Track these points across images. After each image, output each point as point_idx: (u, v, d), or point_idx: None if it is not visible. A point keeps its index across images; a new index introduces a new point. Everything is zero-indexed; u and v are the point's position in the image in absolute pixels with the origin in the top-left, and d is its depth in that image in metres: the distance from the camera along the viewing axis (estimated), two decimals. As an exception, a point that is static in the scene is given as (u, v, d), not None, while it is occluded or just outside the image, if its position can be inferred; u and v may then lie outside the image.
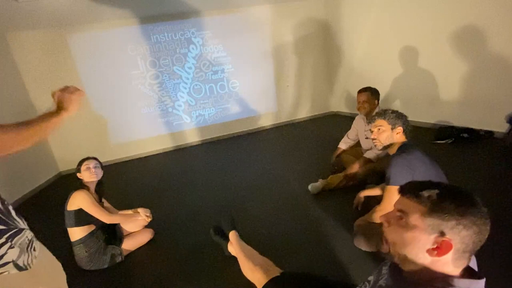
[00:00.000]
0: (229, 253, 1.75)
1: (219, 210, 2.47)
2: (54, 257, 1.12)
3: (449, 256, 0.61)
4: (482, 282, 0.62)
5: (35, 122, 0.96)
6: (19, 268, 0.88)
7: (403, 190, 0.71)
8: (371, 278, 0.87)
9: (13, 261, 0.87)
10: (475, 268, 0.76)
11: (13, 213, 0.95)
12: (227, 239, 1.74)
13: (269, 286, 1.24)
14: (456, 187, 0.68)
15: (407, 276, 0.69)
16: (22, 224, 0.97)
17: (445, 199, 0.63)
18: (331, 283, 1.24)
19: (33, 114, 3.54)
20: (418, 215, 0.65)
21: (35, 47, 3.92)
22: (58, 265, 1.13)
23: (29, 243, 0.95)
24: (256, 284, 1.32)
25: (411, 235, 0.65)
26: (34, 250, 0.97)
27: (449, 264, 0.62)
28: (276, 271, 1.33)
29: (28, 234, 0.96)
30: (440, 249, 0.61)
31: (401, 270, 0.71)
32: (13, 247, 0.87)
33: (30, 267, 0.92)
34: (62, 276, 1.13)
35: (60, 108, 1.08)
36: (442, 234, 0.61)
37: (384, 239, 0.72)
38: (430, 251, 0.62)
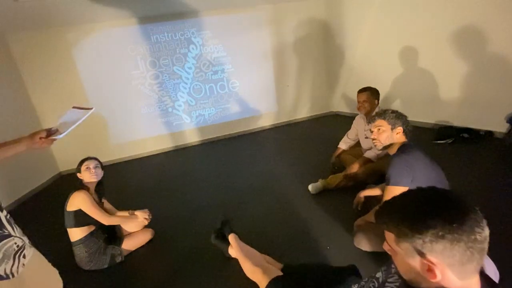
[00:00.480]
0: (230, 255, 1.75)
1: (219, 210, 2.47)
2: (49, 264, 1.10)
3: (448, 273, 0.56)
4: None
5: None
6: None
7: (375, 219, 0.69)
8: (379, 275, 0.86)
9: None
10: (496, 277, 0.73)
11: (3, 219, 0.93)
12: (227, 242, 1.74)
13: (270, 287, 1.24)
14: (407, 200, 0.63)
15: None
16: (11, 231, 0.94)
17: (401, 221, 0.60)
18: (331, 269, 1.25)
19: (33, 114, 3.55)
20: (394, 242, 0.62)
21: (35, 47, 3.92)
22: (54, 272, 1.11)
23: (17, 250, 0.92)
24: (258, 284, 1.33)
25: (402, 262, 0.63)
26: (24, 257, 0.94)
27: (455, 280, 0.57)
28: (276, 270, 1.33)
29: (17, 241, 0.94)
30: (431, 271, 0.57)
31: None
32: None
33: (14, 276, 0.89)
34: (57, 283, 1.11)
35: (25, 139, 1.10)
36: (422, 254, 0.57)
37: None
38: (427, 274, 0.58)
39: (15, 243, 0.92)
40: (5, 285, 0.87)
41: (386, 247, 0.68)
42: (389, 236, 0.63)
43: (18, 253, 0.92)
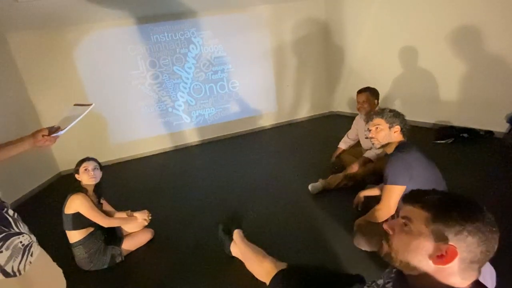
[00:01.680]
0: (230, 252, 1.75)
1: (219, 210, 2.47)
2: (54, 264, 1.11)
3: (455, 265, 0.59)
4: None
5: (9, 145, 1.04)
6: (6, 274, 0.86)
7: (407, 198, 0.71)
8: (380, 282, 0.86)
9: (0, 266, 0.85)
10: (493, 284, 0.73)
11: (10, 219, 0.94)
12: (231, 238, 1.75)
13: (277, 277, 1.25)
14: (459, 194, 0.67)
15: (411, 284, 0.68)
16: (17, 229, 0.95)
17: (449, 205, 0.63)
18: (337, 275, 1.25)
19: (33, 113, 3.55)
20: (422, 221, 0.64)
21: (35, 47, 3.92)
22: (58, 271, 1.12)
23: (24, 248, 0.93)
24: (264, 275, 1.33)
25: (415, 242, 0.64)
26: (31, 255, 0.95)
27: (455, 275, 0.60)
28: (283, 264, 1.34)
29: (23, 239, 0.95)
30: (445, 256, 0.59)
31: (406, 278, 0.70)
32: (2, 252, 0.86)
33: (20, 274, 0.90)
34: (62, 282, 1.11)
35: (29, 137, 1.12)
36: (445, 240, 0.60)
37: (385, 243, 0.71)
38: (434, 259, 0.61)
39: (20, 242, 0.93)
40: (12, 283, 0.88)
41: (388, 225, 0.71)
42: (419, 215, 0.65)
43: (25, 252, 0.94)
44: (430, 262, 0.61)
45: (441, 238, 0.60)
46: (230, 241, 1.74)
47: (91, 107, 1.22)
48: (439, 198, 0.65)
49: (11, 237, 0.90)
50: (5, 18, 3.34)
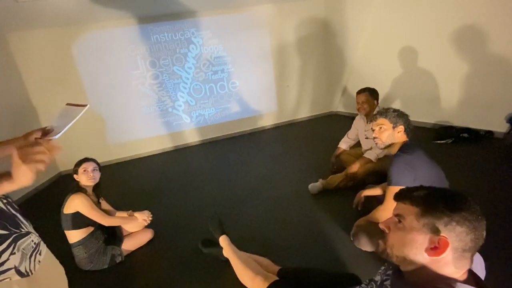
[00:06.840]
0: (225, 258, 1.73)
1: (219, 210, 2.47)
2: (57, 261, 1.10)
3: (448, 255, 0.62)
4: None
5: None
6: (21, 274, 0.86)
7: (397, 197, 0.75)
8: (378, 278, 0.87)
9: (15, 267, 0.85)
10: (483, 273, 0.76)
11: (19, 215, 0.93)
12: (218, 246, 1.68)
13: None
14: (445, 188, 0.72)
15: (409, 279, 0.70)
16: (28, 227, 0.95)
17: (436, 199, 0.67)
18: (330, 274, 1.24)
19: (33, 113, 3.53)
20: (413, 216, 0.68)
21: (35, 47, 3.92)
22: (61, 269, 1.12)
23: (35, 247, 0.93)
24: None
25: (409, 236, 0.67)
26: (40, 254, 0.95)
27: (450, 265, 0.63)
28: (274, 277, 1.30)
29: (34, 238, 0.94)
30: (438, 248, 0.62)
31: (403, 274, 0.72)
32: (14, 253, 0.85)
33: (32, 273, 0.90)
34: (64, 281, 1.12)
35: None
36: (437, 232, 0.63)
37: (383, 241, 0.75)
38: (428, 251, 0.64)
39: (32, 241, 0.93)
40: (26, 282, 0.88)
41: (384, 224, 0.75)
42: (409, 210, 0.69)
43: (35, 251, 0.93)
44: (425, 254, 0.64)
45: (432, 230, 0.64)
46: (220, 249, 1.66)
47: (86, 108, 1.15)
48: (426, 193, 0.69)
49: (22, 238, 0.90)
50: (5, 18, 3.34)
